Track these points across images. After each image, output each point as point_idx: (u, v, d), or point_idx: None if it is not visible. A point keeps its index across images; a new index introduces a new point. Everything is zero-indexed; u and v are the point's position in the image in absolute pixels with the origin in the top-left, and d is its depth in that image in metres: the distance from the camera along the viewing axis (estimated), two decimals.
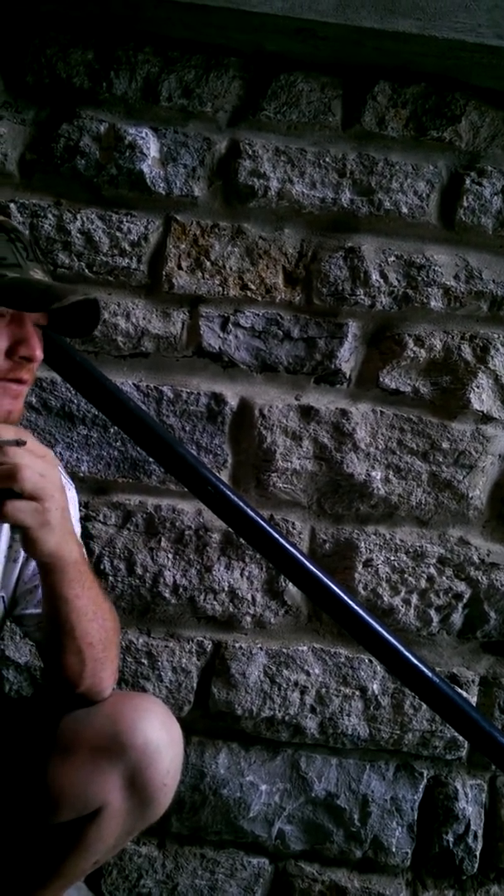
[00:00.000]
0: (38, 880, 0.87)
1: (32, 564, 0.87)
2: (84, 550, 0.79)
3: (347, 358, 1.14)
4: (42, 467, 0.64)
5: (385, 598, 1.17)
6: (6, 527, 0.87)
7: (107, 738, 0.81)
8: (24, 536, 0.67)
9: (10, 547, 0.87)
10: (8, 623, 0.92)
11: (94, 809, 0.82)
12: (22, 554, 0.87)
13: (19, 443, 0.63)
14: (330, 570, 1.08)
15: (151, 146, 1.09)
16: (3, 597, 0.87)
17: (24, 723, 0.90)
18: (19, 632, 1.14)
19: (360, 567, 1.16)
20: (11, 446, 0.63)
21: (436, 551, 1.16)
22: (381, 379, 1.14)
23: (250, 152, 1.10)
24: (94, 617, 0.79)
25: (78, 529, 0.92)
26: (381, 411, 1.15)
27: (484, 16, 1.01)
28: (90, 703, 0.84)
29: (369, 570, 1.16)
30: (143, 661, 1.16)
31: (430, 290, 1.12)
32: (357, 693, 1.17)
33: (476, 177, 1.11)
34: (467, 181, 1.11)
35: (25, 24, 1.07)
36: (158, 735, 0.82)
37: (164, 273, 1.11)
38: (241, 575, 1.16)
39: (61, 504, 0.67)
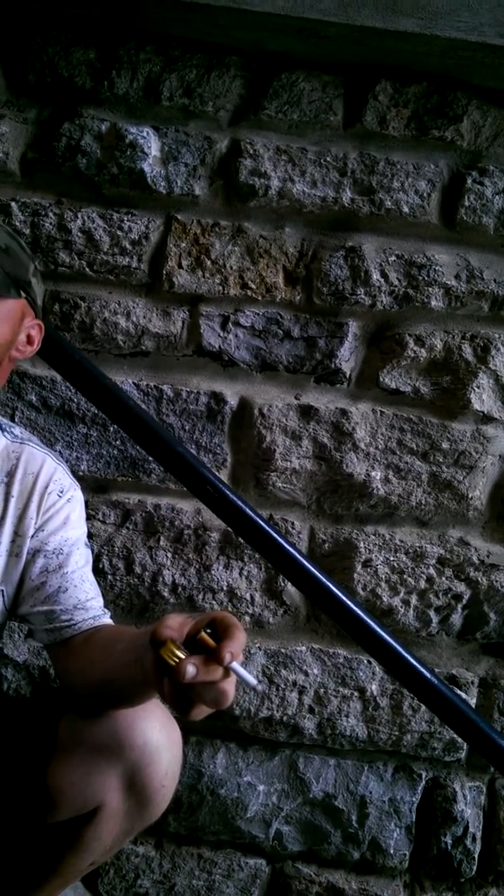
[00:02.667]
0: (36, 879, 0.87)
1: (39, 562, 0.87)
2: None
3: (347, 357, 1.14)
4: (232, 687, 0.61)
5: (384, 599, 1.16)
6: (9, 522, 0.86)
7: (106, 737, 0.81)
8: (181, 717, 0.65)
9: (12, 542, 0.87)
10: (7, 622, 0.92)
11: (92, 809, 0.82)
12: (26, 550, 0.87)
13: (256, 690, 0.60)
14: (329, 570, 1.08)
15: (152, 145, 1.09)
16: (3, 591, 0.87)
17: (22, 722, 0.90)
18: (18, 630, 1.14)
19: (359, 567, 1.15)
20: (242, 679, 0.59)
21: (435, 552, 1.16)
22: (381, 379, 1.14)
23: (251, 151, 1.09)
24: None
25: (84, 530, 0.92)
26: (381, 411, 1.14)
27: (486, 15, 1.00)
28: None
29: (368, 570, 1.16)
30: None
31: (430, 289, 1.12)
32: (356, 694, 1.17)
33: (478, 176, 1.11)
34: (469, 181, 1.11)
35: (27, 23, 1.07)
36: (158, 736, 0.82)
37: (164, 272, 1.11)
38: (240, 574, 1.16)
39: None
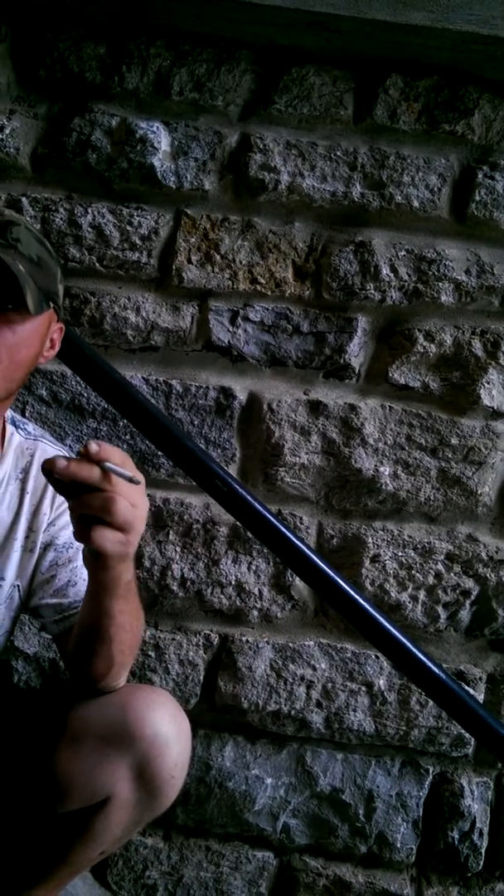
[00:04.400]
0: (46, 868, 0.88)
1: (50, 556, 0.88)
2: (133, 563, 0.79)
3: (357, 353, 1.14)
4: (135, 497, 0.63)
5: (392, 594, 1.17)
6: (24, 518, 0.88)
7: (116, 728, 0.82)
8: (98, 560, 0.67)
9: (27, 537, 0.88)
10: (20, 614, 0.93)
11: (102, 799, 0.83)
12: (39, 545, 0.88)
13: (133, 481, 0.61)
14: (337, 566, 1.08)
15: (162, 140, 1.09)
16: (18, 586, 0.88)
17: (33, 712, 0.91)
18: (28, 623, 1.15)
19: (367, 562, 1.16)
20: (119, 477, 0.60)
21: (444, 548, 1.16)
22: (390, 374, 1.14)
23: (261, 146, 1.09)
24: (130, 628, 0.80)
25: None
26: (390, 406, 1.14)
27: (498, 7, 1.00)
28: (102, 694, 0.85)
29: (377, 565, 1.16)
30: (150, 653, 1.17)
31: (440, 284, 1.12)
32: (363, 688, 1.17)
33: (489, 170, 1.10)
34: (480, 175, 1.10)
35: (38, 19, 1.08)
36: (167, 728, 0.83)
37: (174, 267, 1.11)
38: (249, 569, 1.16)
39: (140, 536, 0.66)
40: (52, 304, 0.81)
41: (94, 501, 0.60)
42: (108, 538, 0.62)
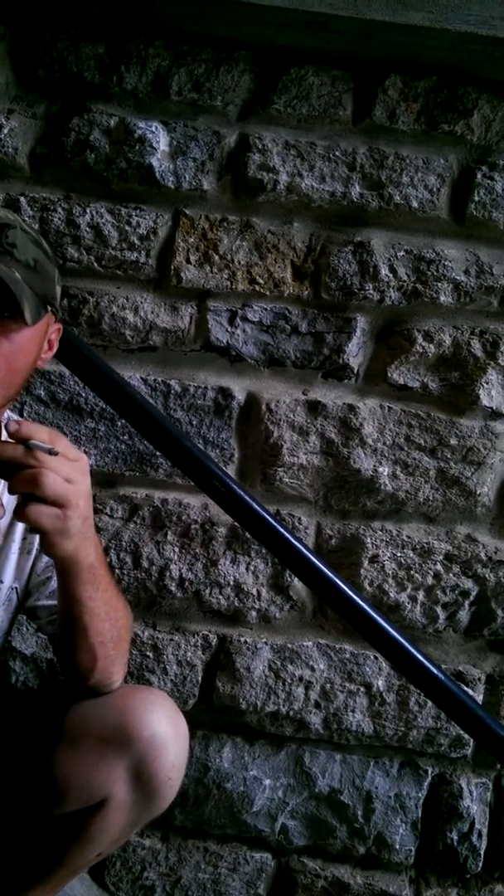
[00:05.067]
0: (43, 869, 0.88)
1: (45, 557, 0.88)
2: (101, 551, 0.79)
3: (356, 353, 1.14)
4: (70, 473, 0.63)
5: (391, 595, 1.16)
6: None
7: (113, 729, 0.82)
8: (41, 538, 0.68)
9: (24, 539, 0.88)
10: (17, 615, 0.93)
11: (99, 801, 0.82)
12: (35, 546, 0.88)
13: (52, 452, 0.62)
14: (336, 566, 1.08)
15: (161, 140, 1.09)
16: (16, 588, 0.88)
17: (30, 713, 0.91)
18: (26, 623, 1.15)
19: (366, 563, 1.15)
20: (43, 451, 0.62)
21: (443, 548, 1.16)
22: (389, 374, 1.14)
23: (260, 146, 1.09)
24: (107, 618, 0.79)
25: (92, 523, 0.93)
26: (388, 407, 1.14)
27: (497, 8, 1.00)
28: (98, 695, 0.85)
29: (375, 566, 1.16)
30: (148, 654, 1.17)
31: (439, 284, 1.12)
32: (362, 689, 1.17)
33: (488, 171, 1.10)
34: (479, 175, 1.10)
35: (37, 18, 1.08)
36: (165, 729, 0.83)
37: (172, 267, 1.11)
38: (247, 569, 1.16)
39: (84, 513, 0.67)
40: (49, 308, 0.79)
41: (24, 477, 0.62)
42: (41, 512, 0.63)
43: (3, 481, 0.88)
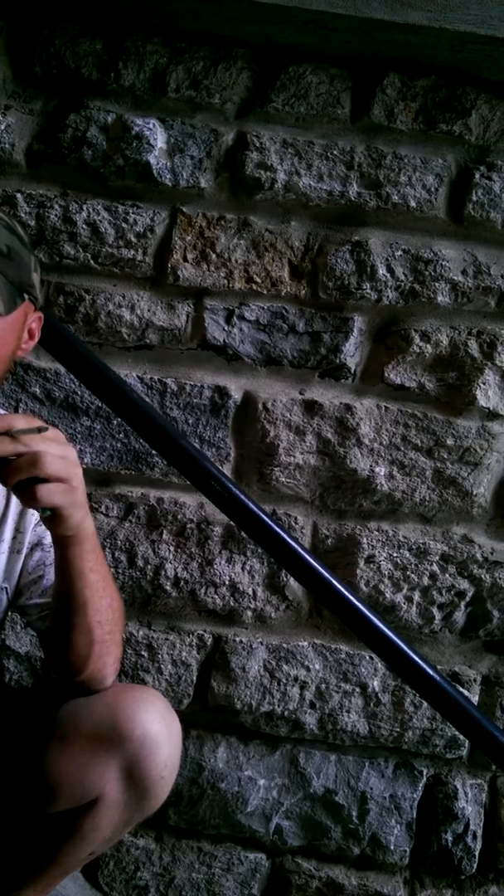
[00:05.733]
0: (35, 868, 0.87)
1: (36, 555, 0.88)
2: None
3: (353, 352, 1.14)
4: (59, 449, 0.65)
5: (387, 595, 1.16)
6: (10, 519, 0.87)
7: (105, 728, 0.81)
8: (54, 516, 0.68)
9: (14, 538, 0.87)
10: (9, 613, 0.92)
11: (91, 799, 0.82)
12: (26, 545, 0.87)
13: (41, 430, 0.64)
14: (332, 566, 1.08)
15: (158, 137, 1.09)
16: (6, 588, 0.88)
17: (23, 712, 0.91)
18: (20, 622, 1.15)
19: (362, 563, 1.15)
20: (30, 434, 0.64)
21: (439, 548, 1.16)
22: (386, 374, 1.13)
23: (258, 144, 1.09)
24: (104, 594, 0.79)
25: None
26: (385, 407, 1.14)
27: (496, 8, 0.99)
28: (90, 693, 0.85)
29: (371, 566, 1.16)
30: (143, 653, 1.16)
31: (437, 284, 1.11)
32: (357, 690, 1.17)
33: (485, 171, 1.10)
34: (476, 175, 1.10)
35: (34, 14, 1.07)
36: (157, 728, 0.82)
37: (169, 265, 1.11)
38: (243, 569, 1.16)
39: (82, 479, 0.69)
40: (26, 296, 0.78)
41: (21, 464, 0.63)
42: (54, 492, 0.65)
43: None
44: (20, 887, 0.88)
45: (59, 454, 0.64)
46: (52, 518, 0.69)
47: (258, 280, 1.12)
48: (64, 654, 0.81)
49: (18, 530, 0.87)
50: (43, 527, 0.88)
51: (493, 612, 1.17)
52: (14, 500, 0.87)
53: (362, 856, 1.20)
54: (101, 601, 0.79)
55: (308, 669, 1.16)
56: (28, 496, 0.64)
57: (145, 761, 0.81)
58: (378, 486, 1.14)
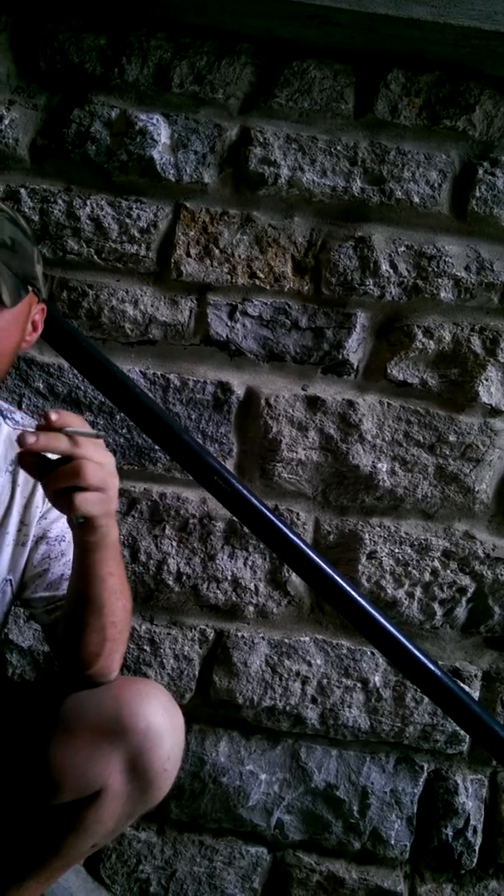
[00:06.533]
0: (38, 860, 0.88)
1: (42, 548, 0.88)
2: None
3: (355, 348, 1.14)
4: (101, 457, 0.64)
5: (389, 591, 1.16)
6: (16, 511, 0.87)
7: (109, 720, 0.82)
8: (87, 523, 0.68)
9: (19, 531, 0.87)
10: (12, 607, 0.93)
11: (95, 791, 0.82)
12: (31, 538, 0.87)
13: (98, 436, 0.63)
14: (334, 562, 1.08)
15: (162, 132, 1.09)
16: (10, 580, 0.88)
17: (27, 705, 0.91)
18: (22, 615, 1.15)
19: (363, 559, 1.15)
20: (84, 437, 0.63)
21: (441, 545, 1.16)
22: (388, 370, 1.14)
23: (261, 139, 1.09)
24: (121, 596, 0.80)
25: None
26: (388, 403, 1.14)
27: (500, 3, 0.99)
28: (95, 686, 0.85)
29: (373, 562, 1.16)
30: (145, 647, 1.17)
31: (440, 280, 1.11)
32: (358, 685, 1.17)
33: (489, 167, 1.10)
34: (480, 171, 1.10)
35: (38, 9, 1.07)
36: (160, 720, 0.83)
37: (172, 260, 1.11)
38: (245, 564, 1.16)
39: (117, 489, 0.68)
40: (30, 288, 0.78)
41: (68, 471, 0.62)
42: (91, 501, 0.64)
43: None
44: (24, 878, 0.88)
45: (99, 462, 0.64)
46: (83, 525, 0.69)
47: (261, 276, 1.12)
48: (76, 650, 0.81)
49: (23, 523, 0.87)
50: (48, 520, 0.88)
51: (495, 608, 1.17)
52: (19, 492, 0.87)
53: (363, 850, 1.21)
54: (117, 603, 0.79)
55: (310, 664, 1.17)
56: (64, 503, 0.64)
57: (148, 753, 0.81)
58: (380, 483, 1.14)
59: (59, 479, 0.63)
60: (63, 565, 0.88)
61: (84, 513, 0.65)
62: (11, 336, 0.77)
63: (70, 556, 0.87)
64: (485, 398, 1.13)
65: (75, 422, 0.63)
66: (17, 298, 0.74)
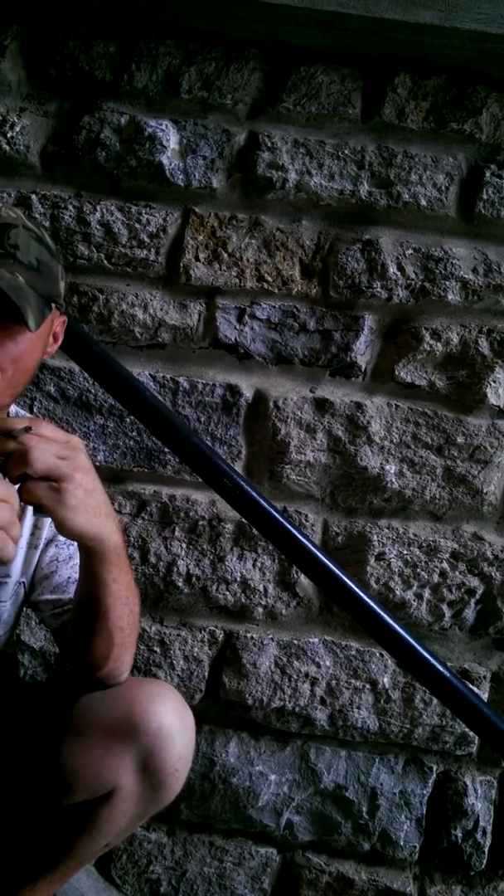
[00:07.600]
0: (51, 859, 0.89)
1: (51, 551, 0.89)
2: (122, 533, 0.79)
3: (363, 351, 1.14)
4: (59, 450, 0.65)
5: (397, 592, 1.17)
6: (29, 516, 0.88)
7: (121, 721, 0.82)
8: (53, 518, 0.68)
9: (32, 534, 0.89)
10: (24, 609, 0.94)
11: (107, 791, 0.83)
12: (42, 541, 0.89)
13: (27, 429, 0.65)
14: (342, 563, 1.08)
15: (171, 138, 1.10)
16: (23, 582, 0.89)
17: (39, 706, 0.92)
18: (34, 617, 1.16)
19: (372, 560, 1.16)
20: (21, 434, 0.65)
21: (449, 546, 1.16)
22: (396, 372, 1.14)
23: (269, 144, 1.10)
24: (127, 602, 0.80)
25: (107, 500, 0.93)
26: (396, 405, 1.14)
27: None
28: (106, 687, 0.86)
29: (382, 563, 1.16)
30: (155, 649, 1.17)
31: (447, 283, 1.12)
32: (367, 686, 1.18)
33: (496, 169, 1.10)
34: (487, 174, 1.10)
35: (48, 17, 1.08)
36: (171, 721, 0.83)
37: (181, 265, 1.12)
38: (254, 566, 1.17)
39: (86, 486, 0.67)
40: (53, 305, 0.78)
41: (13, 461, 0.64)
42: (36, 487, 0.65)
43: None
44: (36, 878, 0.89)
45: (53, 453, 0.65)
46: (53, 519, 0.68)
47: (269, 279, 1.13)
48: (84, 653, 0.82)
49: (37, 526, 0.88)
50: None
51: (503, 609, 1.17)
52: None
53: (372, 851, 1.21)
54: (124, 608, 0.80)
55: (318, 666, 1.17)
56: (21, 491, 0.65)
57: (160, 753, 0.82)
58: (388, 484, 1.15)
59: (8, 467, 0.64)
60: (70, 568, 0.89)
61: (34, 501, 0.65)
62: (35, 352, 0.78)
63: (77, 559, 0.88)
64: (493, 400, 1.13)
65: (17, 424, 0.65)
66: (41, 321, 0.74)
